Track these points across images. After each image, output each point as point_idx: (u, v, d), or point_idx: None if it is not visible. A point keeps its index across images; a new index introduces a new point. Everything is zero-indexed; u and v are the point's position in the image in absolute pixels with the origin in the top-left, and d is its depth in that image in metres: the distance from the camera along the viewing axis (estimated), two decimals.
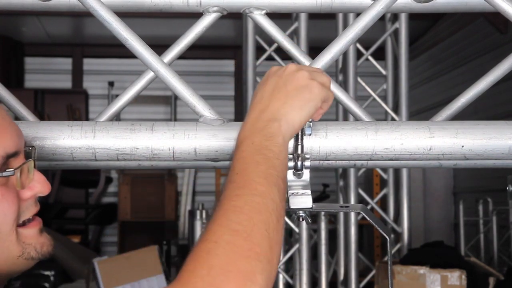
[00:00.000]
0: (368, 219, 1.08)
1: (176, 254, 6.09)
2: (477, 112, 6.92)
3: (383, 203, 4.50)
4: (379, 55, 4.45)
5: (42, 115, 9.07)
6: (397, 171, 4.23)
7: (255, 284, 0.87)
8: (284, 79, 1.08)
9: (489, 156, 1.21)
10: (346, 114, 3.92)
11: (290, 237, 4.98)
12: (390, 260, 1.06)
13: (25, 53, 9.75)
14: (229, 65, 10.14)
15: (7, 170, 1.03)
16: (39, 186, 1.07)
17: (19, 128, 1.07)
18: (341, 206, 1.16)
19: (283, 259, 4.17)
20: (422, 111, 8.81)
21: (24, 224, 1.06)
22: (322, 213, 3.98)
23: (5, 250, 1.03)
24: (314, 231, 4.47)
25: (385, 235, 1.03)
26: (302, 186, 1.13)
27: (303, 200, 1.12)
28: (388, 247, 1.03)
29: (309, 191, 1.12)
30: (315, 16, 3.75)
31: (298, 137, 1.15)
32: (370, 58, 4.30)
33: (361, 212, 1.11)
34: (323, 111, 1.11)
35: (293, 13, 4.10)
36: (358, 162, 1.30)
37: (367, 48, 4.27)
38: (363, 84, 4.18)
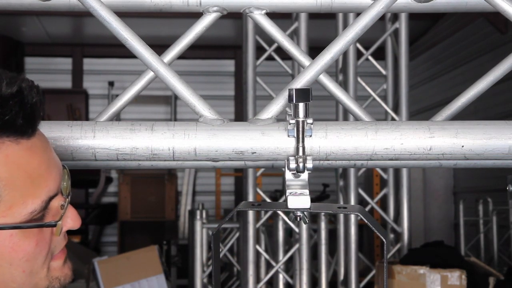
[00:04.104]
0: (365, 221, 1.08)
1: (176, 254, 6.08)
2: (477, 112, 6.92)
3: (383, 203, 4.49)
4: (379, 55, 4.45)
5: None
6: (397, 171, 4.23)
7: None
8: None
9: (489, 156, 1.21)
10: (346, 114, 3.91)
11: (290, 237, 4.98)
12: (386, 261, 1.06)
13: (25, 53, 9.75)
14: (229, 65, 10.14)
15: (49, 222, 1.01)
16: (71, 222, 1.05)
17: (59, 161, 1.05)
18: (339, 207, 1.16)
19: (283, 259, 4.17)
20: (422, 111, 8.82)
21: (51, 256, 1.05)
22: (322, 213, 3.97)
23: (33, 286, 1.02)
24: (314, 231, 4.47)
25: (381, 237, 1.03)
26: (301, 185, 1.13)
27: (301, 200, 1.12)
28: (385, 249, 1.03)
29: (307, 191, 1.12)
30: (315, 16, 3.75)
31: (299, 139, 1.15)
32: (370, 58, 4.29)
33: (359, 214, 1.11)
34: None
35: (293, 13, 4.10)
36: (358, 162, 1.30)
37: (367, 48, 4.26)
38: (363, 84, 4.18)
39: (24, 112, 0.96)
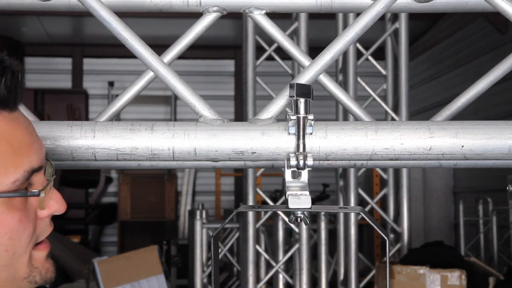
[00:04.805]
0: (368, 220, 1.08)
1: (176, 254, 6.09)
2: (477, 112, 6.92)
3: (383, 203, 4.49)
4: (379, 55, 4.45)
5: (42, 115, 9.07)
6: (397, 171, 4.23)
7: None
8: None
9: (489, 156, 1.21)
10: (346, 114, 3.91)
11: (290, 237, 4.98)
12: (388, 261, 1.06)
13: (25, 53, 9.75)
14: (229, 65, 10.14)
15: (32, 190, 1.01)
16: (56, 205, 1.05)
17: (42, 142, 1.06)
18: (340, 207, 1.16)
19: (283, 259, 4.17)
20: (422, 111, 8.82)
21: (35, 245, 1.04)
22: (322, 213, 3.98)
23: (13, 271, 1.01)
24: (314, 231, 4.47)
25: (383, 236, 1.03)
26: (301, 187, 1.13)
27: (301, 200, 1.12)
28: (387, 248, 1.03)
29: (307, 192, 1.12)
30: (315, 16, 3.75)
31: (299, 136, 1.15)
32: (370, 58, 4.29)
33: (360, 213, 1.11)
34: None
35: (293, 13, 4.10)
36: (358, 162, 1.30)
37: (367, 48, 4.26)
38: (363, 84, 4.18)
39: (5, 81, 0.97)
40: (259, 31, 3.36)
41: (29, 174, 1.00)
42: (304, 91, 1.13)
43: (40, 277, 1.04)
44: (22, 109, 1.28)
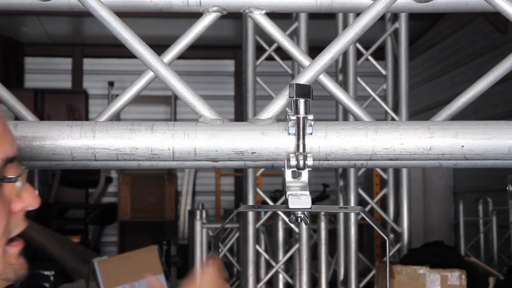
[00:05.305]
0: (368, 220, 1.08)
1: (176, 254, 6.08)
2: (477, 112, 6.92)
3: (383, 203, 4.49)
4: (379, 55, 4.45)
5: (42, 115, 9.07)
6: (397, 171, 4.23)
7: None
8: None
9: (489, 156, 1.21)
10: (346, 114, 3.91)
11: (290, 237, 4.98)
12: (388, 261, 1.06)
13: (25, 53, 9.75)
14: (229, 65, 10.13)
15: (8, 177, 1.01)
16: (30, 198, 1.04)
17: (13, 135, 1.05)
18: (340, 207, 1.16)
19: (283, 259, 4.17)
20: (422, 111, 8.81)
21: (9, 242, 1.02)
22: (322, 213, 3.97)
23: None
24: (314, 231, 4.47)
25: (383, 236, 1.03)
26: (301, 187, 1.13)
27: (302, 200, 1.12)
28: (387, 248, 1.03)
29: (307, 192, 1.12)
30: (315, 16, 3.75)
31: (299, 136, 1.15)
32: (370, 58, 4.29)
33: (360, 213, 1.11)
34: None
35: (293, 13, 4.10)
36: (358, 162, 1.30)
37: (367, 48, 4.26)
38: (363, 84, 4.18)
39: None
40: (259, 31, 3.36)
41: (4, 163, 1.00)
42: (304, 91, 1.13)
43: (14, 274, 1.03)
44: (22, 109, 1.29)
